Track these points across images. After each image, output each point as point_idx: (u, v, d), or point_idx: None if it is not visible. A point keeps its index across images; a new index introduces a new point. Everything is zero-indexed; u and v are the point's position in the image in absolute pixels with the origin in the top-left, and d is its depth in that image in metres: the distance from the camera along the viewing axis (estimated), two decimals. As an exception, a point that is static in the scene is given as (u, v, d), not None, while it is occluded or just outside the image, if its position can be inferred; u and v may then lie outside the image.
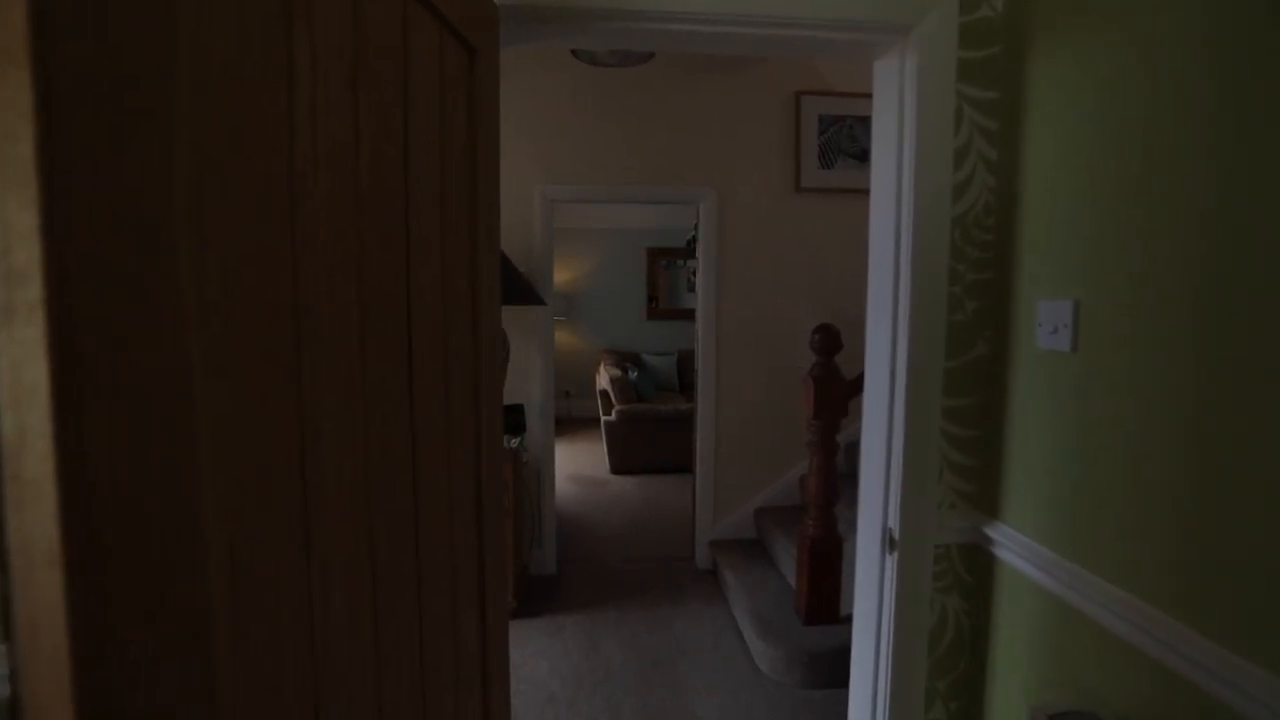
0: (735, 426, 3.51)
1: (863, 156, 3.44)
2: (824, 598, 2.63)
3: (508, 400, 3.26)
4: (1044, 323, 1.14)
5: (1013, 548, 1.24)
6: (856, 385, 2.64)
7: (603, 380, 5.48)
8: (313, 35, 0.67)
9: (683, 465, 5.14)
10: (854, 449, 3.14)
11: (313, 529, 0.68)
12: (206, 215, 0.53)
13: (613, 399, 5.25)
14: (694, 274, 7.34)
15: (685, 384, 6.97)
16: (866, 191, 3.57)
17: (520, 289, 2.96)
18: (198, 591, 0.52)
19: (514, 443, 2.94)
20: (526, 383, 3.38)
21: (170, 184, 0.49)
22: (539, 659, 2.68)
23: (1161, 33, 0.92)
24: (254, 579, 0.59)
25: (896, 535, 1.35)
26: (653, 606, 3.12)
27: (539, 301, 3.05)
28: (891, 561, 1.36)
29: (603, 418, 5.20)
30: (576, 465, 5.37)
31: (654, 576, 3.44)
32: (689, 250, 5.85)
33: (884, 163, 1.36)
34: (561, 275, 7.02)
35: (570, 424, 6.83)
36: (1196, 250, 0.87)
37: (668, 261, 7.32)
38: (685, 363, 7.02)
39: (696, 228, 3.53)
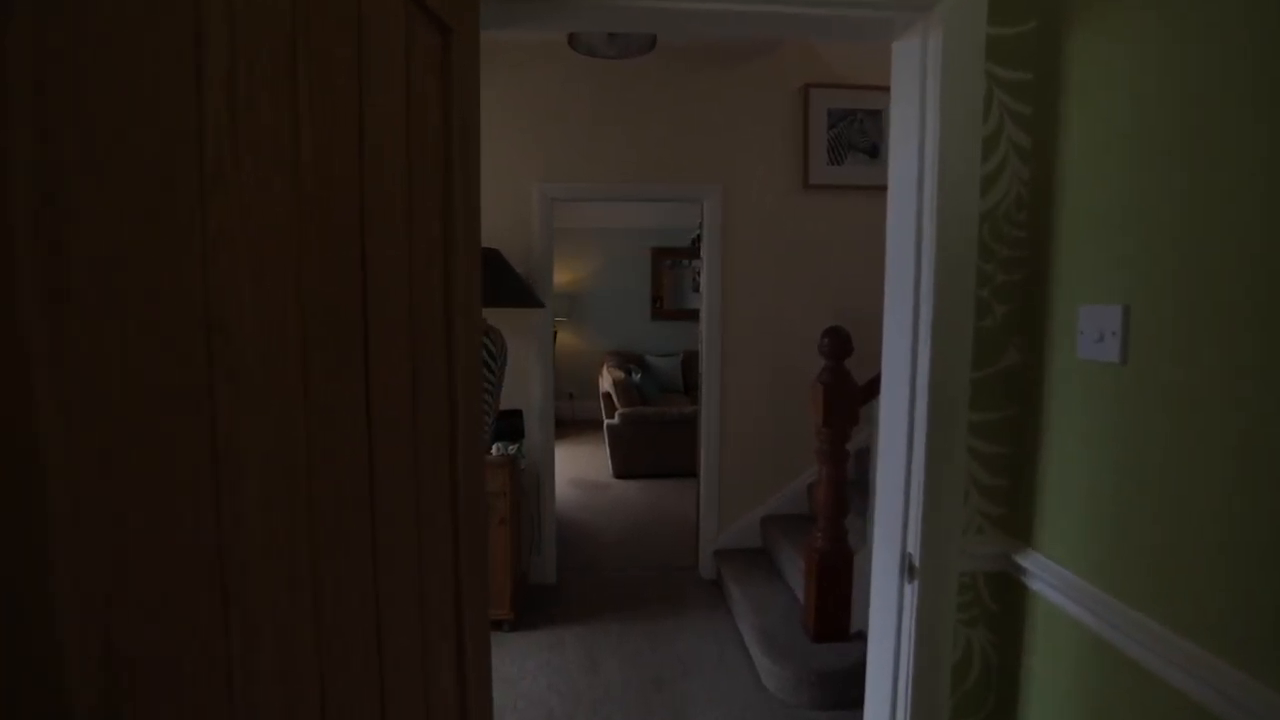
0: (740, 431, 3.39)
1: (873, 152, 3.31)
2: (833, 614, 2.50)
3: (506, 405, 3.16)
4: (1086, 330, 1.02)
5: (1047, 579, 1.11)
6: (868, 391, 2.51)
7: (605, 382, 5.37)
8: (228, -6, 0.55)
9: (687, 469, 5.02)
10: (865, 455, 3.02)
11: (232, 585, 0.57)
12: (64, 215, 0.42)
13: (615, 402, 5.14)
14: (699, 274, 7.23)
15: (690, 385, 6.85)
16: (878, 188, 3.41)
17: (518, 290, 2.85)
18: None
19: (511, 449, 2.84)
20: (526, 387, 3.27)
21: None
22: (538, 675, 2.57)
23: (1230, -2, 0.80)
24: (144, 671, 0.47)
25: (917, 561, 1.23)
26: (655, 619, 3.00)
27: (537, 304, 2.94)
28: (911, 590, 1.24)
29: (605, 421, 5.09)
30: (579, 469, 5.26)
31: (657, 586, 3.32)
32: (694, 250, 5.73)
33: (903, 153, 1.24)
34: (564, 275, 6.92)
35: (573, 426, 6.73)
36: (1271, 248, 0.74)
37: (673, 261, 7.20)
38: (690, 364, 6.90)
39: (701, 226, 3.41)
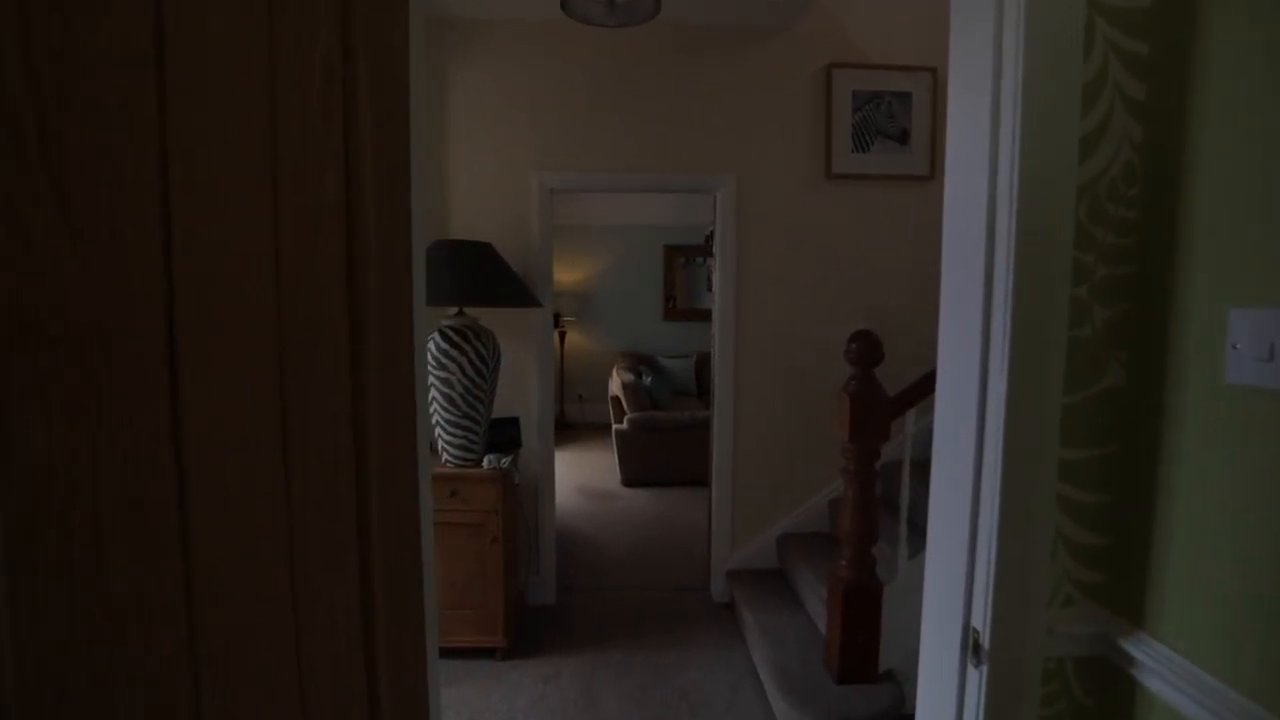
0: (756, 442, 3.09)
1: (902, 138, 3.00)
2: (860, 652, 2.21)
3: (501, 412, 2.90)
4: (1241, 343, 0.72)
5: (1168, 675, 0.82)
6: (902, 402, 2.21)
7: (615, 385, 5.10)
8: None
9: (700, 478, 4.74)
10: (893, 470, 2.71)
11: None
12: None
13: (624, 406, 4.87)
14: (713, 273, 6.93)
15: (703, 388, 6.56)
16: (907, 178, 3.07)
17: (513, 289, 2.58)
18: None
19: (504, 462, 2.57)
20: (523, 393, 3.00)
21: None
22: (530, 713, 2.31)
23: None
24: None
25: (984, 640, 0.93)
26: (661, 648, 2.72)
27: (534, 303, 2.67)
28: (978, 676, 0.95)
29: (614, 426, 4.82)
30: (586, 476, 4.99)
31: (664, 610, 3.04)
32: (708, 247, 5.44)
33: (969, 108, 0.95)
34: (574, 274, 6.66)
35: (582, 430, 6.47)
36: None
37: (686, 259, 6.91)
38: (704, 366, 6.61)
39: (714, 221, 3.12)
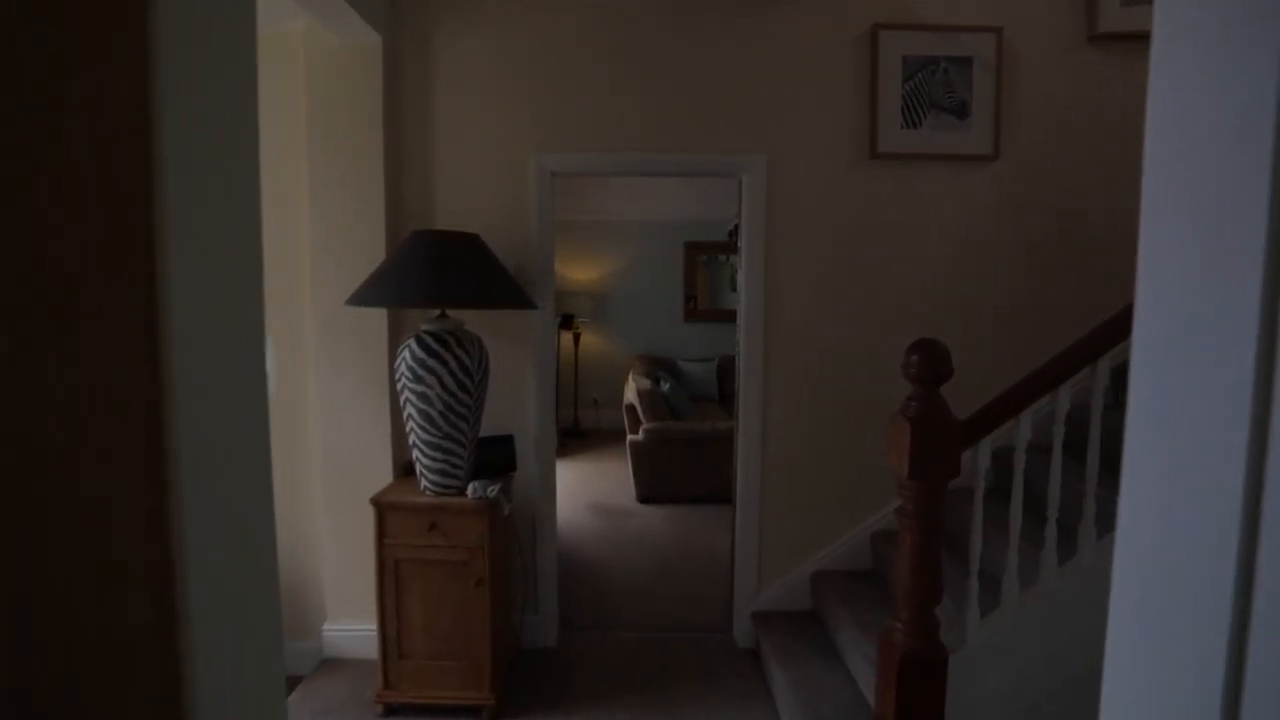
0: (787, 463, 2.66)
1: (961, 111, 2.54)
2: (920, 736, 1.77)
3: (490, 430, 2.51)
4: None
5: None
6: (980, 426, 1.77)
7: (630, 392, 4.70)
8: None
9: (722, 494, 4.32)
10: (964, 501, 2.22)
11: None
12: None
13: (640, 414, 4.46)
14: (735, 273, 6.50)
15: (725, 394, 6.13)
16: (967, 158, 2.60)
17: (504, 288, 2.19)
18: None
19: (492, 490, 2.18)
20: (518, 407, 2.61)
21: None
22: (516, 792, 1.92)
23: None
24: None
25: None
26: (677, 705, 2.31)
27: (528, 304, 2.28)
28: None
29: (629, 437, 4.42)
30: (598, 490, 4.60)
31: (679, 657, 2.63)
32: (732, 243, 5.01)
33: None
34: (588, 273, 6.28)
35: (596, 438, 6.08)
36: None
37: (708, 257, 6.48)
38: (727, 371, 6.17)
39: (740, 210, 2.70)
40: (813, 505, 2.67)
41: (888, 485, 2.43)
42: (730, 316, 6.61)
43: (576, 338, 6.17)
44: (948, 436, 1.68)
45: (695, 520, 4.06)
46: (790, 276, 2.60)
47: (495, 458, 2.45)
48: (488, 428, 2.49)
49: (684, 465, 4.32)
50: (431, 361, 2.09)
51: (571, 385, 6.30)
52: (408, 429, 2.18)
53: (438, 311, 2.23)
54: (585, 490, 4.59)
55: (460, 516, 2.16)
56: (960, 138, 2.55)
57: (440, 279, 2.05)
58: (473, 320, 2.38)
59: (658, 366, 5.87)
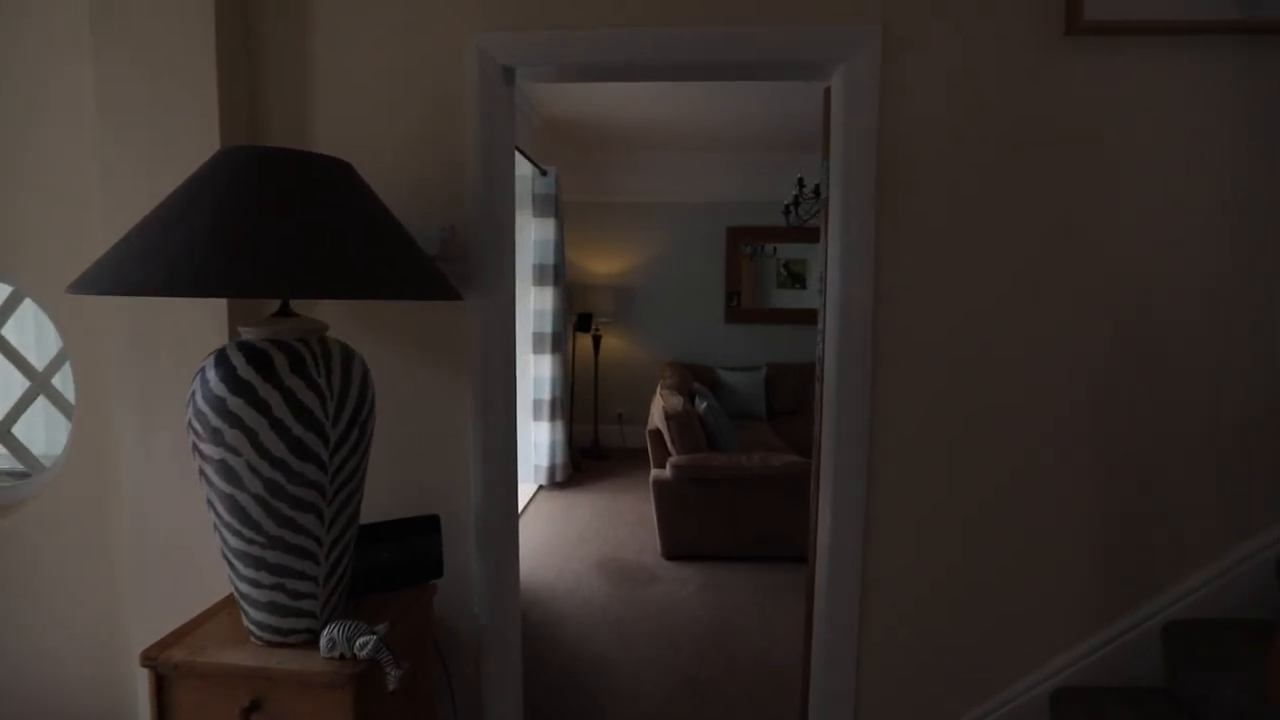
0: (912, 535, 1.53)
1: (1238, -56, 1.36)
2: None
3: (393, 511, 1.46)
4: None
5: None
6: None
7: (656, 412, 3.61)
8: None
9: (777, 551, 3.20)
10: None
11: None
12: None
13: (669, 443, 3.37)
14: (785, 265, 5.30)
15: (777, 411, 4.98)
16: (1265, 30, 1.37)
17: (391, 261, 1.13)
18: None
19: (363, 644, 1.12)
20: (450, 466, 1.55)
21: None
22: None
23: None
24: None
25: None
26: None
27: (438, 291, 1.21)
28: None
29: (653, 472, 3.34)
30: (614, 539, 3.52)
31: None
32: (790, 221, 3.86)
33: None
34: (610, 265, 5.21)
35: (620, 460, 5.01)
36: None
37: (753, 248, 5.33)
38: (778, 381, 5.02)
39: (826, 149, 1.58)
40: (957, 617, 1.53)
41: (1172, 547, 1.31)
42: (780, 317, 5.44)
43: (597, 341, 5.11)
44: None
45: (741, 588, 2.94)
46: (918, 247, 1.47)
47: (401, 561, 1.40)
48: (388, 505, 1.45)
49: (725, 512, 3.21)
50: (237, 402, 1.04)
51: (591, 397, 5.25)
52: (212, 523, 1.14)
53: (278, 304, 1.19)
54: (598, 537, 3.53)
55: (304, 694, 1.11)
56: (1235, -7, 1.37)
57: (259, 243, 0.99)
58: (343, 319, 1.34)
59: (693, 377, 4.76)
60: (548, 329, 4.20)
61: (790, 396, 5.00)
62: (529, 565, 3.12)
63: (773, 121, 4.16)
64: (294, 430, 1.06)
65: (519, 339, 4.31)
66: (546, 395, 4.23)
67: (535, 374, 4.24)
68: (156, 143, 1.38)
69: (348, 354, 1.18)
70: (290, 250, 0.98)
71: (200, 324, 1.42)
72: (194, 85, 1.37)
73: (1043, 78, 1.42)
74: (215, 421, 1.04)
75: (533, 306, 4.20)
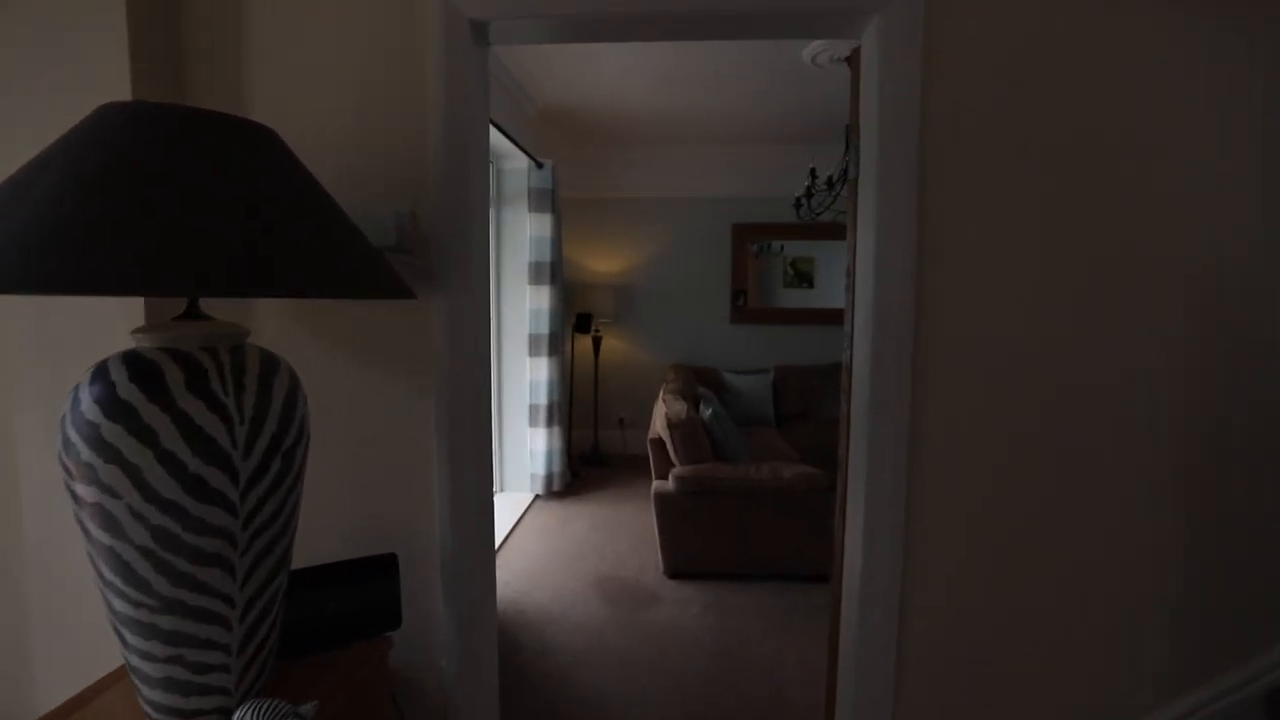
0: (957, 576, 1.29)
1: None
2: None
3: (337, 550, 1.23)
4: None
5: None
6: None
7: (658, 419, 3.37)
8: None
9: (791, 570, 2.95)
10: None
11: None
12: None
13: (672, 453, 3.13)
14: (792, 264, 5.05)
15: (786, 416, 4.73)
16: None
17: (323, 252, 0.90)
18: None
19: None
20: (409, 495, 1.32)
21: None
22: None
23: None
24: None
25: None
26: None
27: (394, 290, 0.98)
28: None
29: (655, 484, 3.10)
30: (614, 554, 3.28)
31: None
32: (801, 215, 3.62)
33: None
34: (612, 262, 4.98)
35: (622, 467, 4.78)
36: None
37: (760, 245, 5.09)
38: (786, 385, 4.77)
39: (853, 126, 1.34)
40: (1012, 666, 1.28)
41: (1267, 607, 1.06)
42: (786, 318, 5.18)
43: (597, 342, 4.87)
44: None
45: (749, 610, 2.70)
46: (967, 237, 1.22)
47: (350, 610, 1.16)
48: (339, 545, 1.21)
49: (732, 527, 2.97)
50: (114, 429, 0.81)
51: (591, 401, 5.01)
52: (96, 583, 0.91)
53: (186, 305, 0.96)
54: (596, 552, 3.29)
55: (207, 796, 0.88)
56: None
57: (117, 225, 0.75)
58: (268, 326, 1.10)
59: (697, 380, 4.52)
60: (545, 330, 3.96)
61: (798, 400, 4.76)
62: (521, 585, 2.89)
63: (781, 111, 3.91)
64: (190, 465, 0.83)
65: (515, 341, 4.07)
66: (544, 400, 3.99)
67: (532, 378, 4.00)
68: (56, 108, 1.15)
69: (269, 365, 0.95)
70: (164, 234, 0.74)
71: (114, 323, 1.19)
72: (100, 32, 1.14)
73: (1125, 21, 1.17)
74: (87, 455, 0.81)
75: (529, 306, 3.96)
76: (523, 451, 4.07)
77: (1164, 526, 1.24)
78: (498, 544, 3.28)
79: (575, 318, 4.77)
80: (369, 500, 1.29)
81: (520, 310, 4.02)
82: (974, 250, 1.22)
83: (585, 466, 4.73)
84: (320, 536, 1.25)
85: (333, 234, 0.92)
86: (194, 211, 0.78)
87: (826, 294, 5.09)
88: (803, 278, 5.16)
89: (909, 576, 1.28)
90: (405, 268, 1.23)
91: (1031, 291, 1.22)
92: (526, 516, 3.73)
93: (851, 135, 1.36)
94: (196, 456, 0.83)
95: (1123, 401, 1.22)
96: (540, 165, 3.82)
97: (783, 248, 5.10)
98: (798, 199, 3.56)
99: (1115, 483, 1.24)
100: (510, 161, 3.88)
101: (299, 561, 1.18)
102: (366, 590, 1.19)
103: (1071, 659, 1.27)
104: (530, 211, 3.88)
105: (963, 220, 1.22)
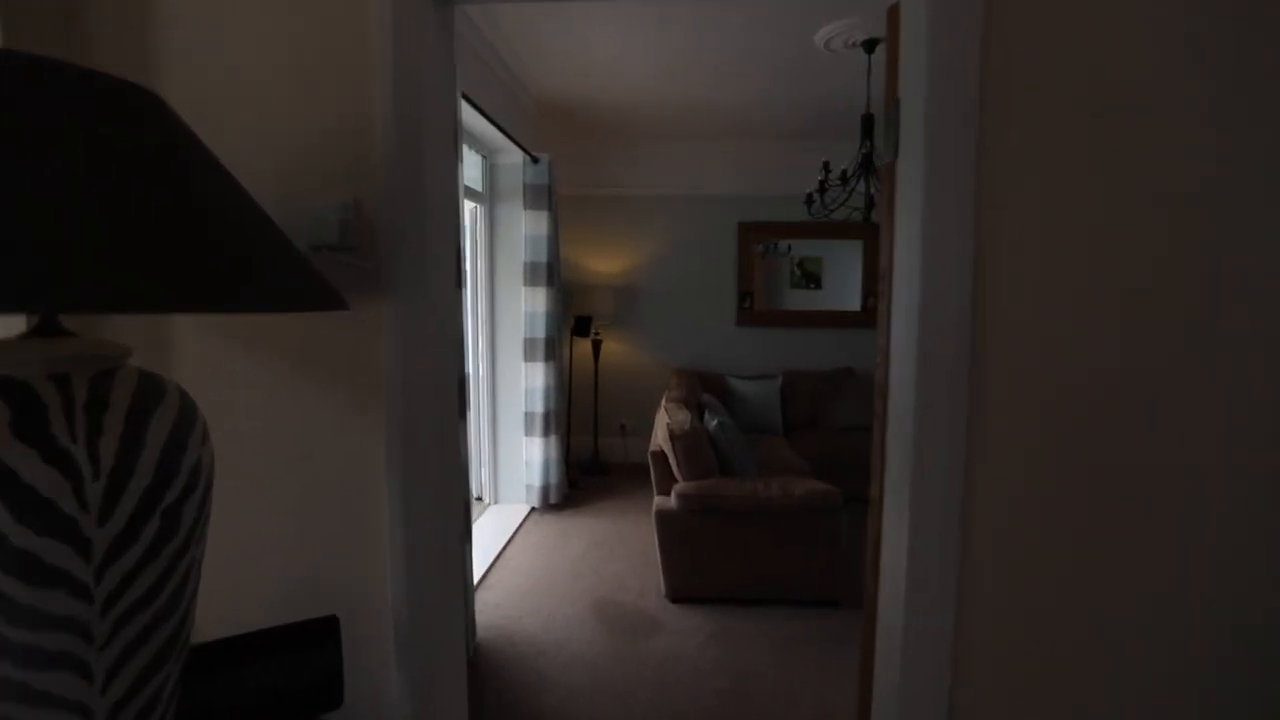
0: (1032, 680, 1.06)
1: None
2: None
3: (267, 616, 1.00)
4: None
5: None
6: None
7: (659, 430, 3.14)
8: None
9: (802, 595, 2.70)
10: None
11: None
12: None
13: (674, 467, 2.90)
14: (799, 264, 4.80)
15: (794, 424, 4.49)
16: None
17: (252, 255, 0.67)
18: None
19: None
20: (359, 540, 1.09)
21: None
22: None
23: None
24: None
25: None
26: None
27: (326, 301, 0.75)
28: None
29: (656, 499, 2.87)
30: (614, 574, 3.06)
31: None
32: (812, 212, 3.38)
33: None
34: (611, 263, 4.75)
35: (623, 476, 4.55)
36: None
37: (766, 246, 4.86)
38: (795, 390, 4.53)
39: (890, 94, 1.16)
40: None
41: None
42: (795, 321, 4.93)
43: (596, 346, 4.65)
44: None
45: (758, 639, 2.47)
46: (1039, 218, 0.99)
47: (275, 689, 0.94)
48: (268, 608, 0.99)
49: (739, 548, 2.74)
50: (-96, 490, 0.58)
51: (590, 407, 4.79)
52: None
53: (39, 316, 0.73)
54: (594, 572, 3.06)
55: None
56: None
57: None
58: (229, 340, 0.88)
59: (702, 386, 4.29)
60: (541, 334, 3.74)
61: (807, 407, 4.52)
62: (513, 609, 2.66)
63: (788, 105, 3.68)
64: (13, 537, 0.61)
65: (510, 346, 3.85)
66: (539, 408, 3.76)
67: (527, 385, 3.78)
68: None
69: (147, 396, 0.72)
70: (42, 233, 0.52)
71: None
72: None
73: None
74: None
75: (524, 309, 3.73)
76: (518, 462, 3.85)
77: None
78: (490, 561, 3.05)
79: (574, 320, 4.54)
80: (308, 552, 1.06)
81: (515, 313, 3.80)
82: (1050, 240, 0.99)
83: (584, 475, 4.51)
84: (245, 601, 1.03)
85: (241, 230, 0.69)
86: (53, 195, 0.55)
87: (835, 295, 4.86)
88: (810, 278, 4.94)
89: (961, 586, 1.05)
90: (347, 269, 1.01)
91: (1124, 297, 0.99)
92: (521, 531, 3.50)
93: (887, 110, 1.13)
94: (23, 525, 0.61)
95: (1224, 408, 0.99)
96: (535, 160, 3.59)
97: (790, 247, 4.87)
98: (809, 195, 3.33)
99: (1210, 497, 1.01)
100: (504, 156, 3.65)
101: (217, 633, 0.96)
102: (300, 662, 0.97)
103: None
104: (525, 209, 3.65)
105: (1029, 197, 0.99)
